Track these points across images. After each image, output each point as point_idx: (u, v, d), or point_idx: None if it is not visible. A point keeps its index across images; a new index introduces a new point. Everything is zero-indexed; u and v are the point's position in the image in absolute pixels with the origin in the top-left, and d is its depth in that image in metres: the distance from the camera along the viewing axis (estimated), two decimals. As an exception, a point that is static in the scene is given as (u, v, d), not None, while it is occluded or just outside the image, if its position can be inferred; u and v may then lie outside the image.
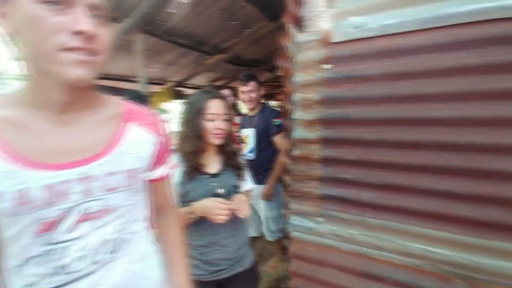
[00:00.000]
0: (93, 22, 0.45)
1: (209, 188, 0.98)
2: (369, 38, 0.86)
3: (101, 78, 2.88)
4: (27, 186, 0.46)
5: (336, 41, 0.92)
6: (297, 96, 1.02)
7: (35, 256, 0.49)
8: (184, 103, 1.07)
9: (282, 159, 1.78)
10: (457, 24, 0.74)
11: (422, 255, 0.86)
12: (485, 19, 0.71)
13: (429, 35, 0.78)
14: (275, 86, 5.87)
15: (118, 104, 0.60)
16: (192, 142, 0.99)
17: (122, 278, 0.57)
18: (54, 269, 0.50)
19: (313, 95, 0.99)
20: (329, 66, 0.94)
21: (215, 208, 0.90)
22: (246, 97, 1.86)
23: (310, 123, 1.00)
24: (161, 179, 0.69)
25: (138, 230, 0.63)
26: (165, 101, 3.94)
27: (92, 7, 0.45)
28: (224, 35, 2.58)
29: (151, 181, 0.67)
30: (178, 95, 4.03)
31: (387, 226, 0.91)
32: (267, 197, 1.81)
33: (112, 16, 1.92)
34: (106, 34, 0.48)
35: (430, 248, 0.85)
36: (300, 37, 0.99)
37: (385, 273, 0.93)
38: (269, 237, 1.94)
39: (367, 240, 0.95)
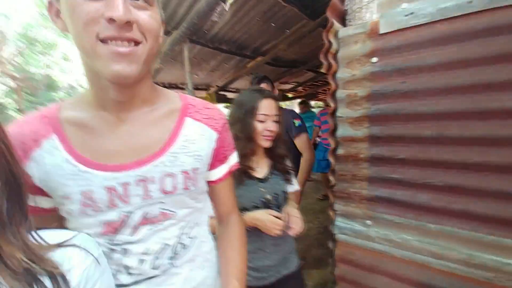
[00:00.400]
0: (131, 7, 0.39)
1: (258, 194, 0.93)
2: (423, 24, 0.78)
3: (154, 87, 3.16)
4: (90, 188, 0.45)
5: (384, 31, 0.86)
6: (342, 93, 0.98)
7: None
8: (233, 102, 1.02)
9: (306, 162, 1.71)
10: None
11: (493, 267, 0.75)
12: None
13: (497, 15, 0.68)
14: (317, 86, 5.73)
15: (177, 98, 0.56)
16: (242, 144, 0.91)
17: (184, 283, 0.54)
18: (118, 268, 0.50)
19: (359, 91, 0.94)
20: (377, 59, 0.89)
21: (270, 222, 0.85)
22: None
23: (357, 120, 0.96)
24: (221, 180, 0.62)
25: (200, 235, 0.58)
26: (209, 105, 4.15)
27: None
28: (265, 38, 2.62)
29: (211, 182, 0.61)
30: (221, 99, 4.22)
31: (449, 232, 0.81)
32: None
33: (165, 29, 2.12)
34: (149, 19, 0.41)
35: (505, 260, 0.73)
36: (345, 31, 0.95)
37: (445, 284, 0.83)
38: None
39: (425, 247, 0.86)
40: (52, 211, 0.49)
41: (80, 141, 0.46)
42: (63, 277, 0.36)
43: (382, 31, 0.86)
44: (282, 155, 1.03)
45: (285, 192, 1.00)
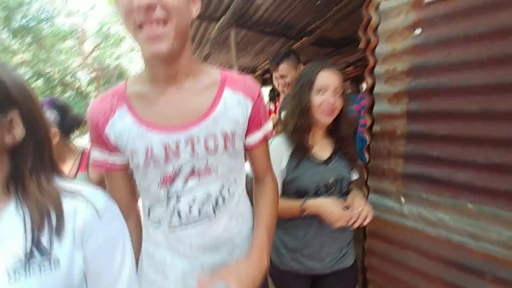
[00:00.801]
0: None
1: (320, 176, 0.86)
2: (474, -11, 0.72)
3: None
4: (151, 145, 0.55)
5: (430, 0, 0.81)
6: (381, 68, 0.97)
7: (160, 201, 0.60)
8: (296, 78, 0.96)
9: None
10: None
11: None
12: None
13: None
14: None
15: (217, 72, 0.63)
16: (296, 118, 0.87)
17: (222, 231, 0.62)
18: (172, 213, 0.59)
19: (399, 65, 0.91)
20: (420, 30, 0.85)
21: (338, 213, 0.78)
22: (280, 83, 1.63)
23: (395, 96, 0.94)
24: (258, 145, 0.67)
25: (237, 192, 0.65)
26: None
27: None
28: (310, 17, 2.54)
29: (247, 146, 0.67)
30: (266, 82, 4.28)
31: (490, 213, 0.77)
32: None
33: (213, 16, 2.25)
34: None
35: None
36: (387, 3, 0.92)
37: (482, 266, 0.80)
38: None
39: (461, 226, 0.83)
40: (124, 168, 0.61)
41: (142, 109, 0.56)
42: (62, 217, 0.43)
43: (426, 0, 0.81)
44: (346, 136, 0.93)
45: (349, 179, 0.91)
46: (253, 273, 0.55)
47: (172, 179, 0.57)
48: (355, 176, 0.97)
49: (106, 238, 0.48)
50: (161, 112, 0.56)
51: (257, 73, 4.25)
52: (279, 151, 0.89)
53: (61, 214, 0.43)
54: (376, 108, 1.00)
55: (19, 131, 0.42)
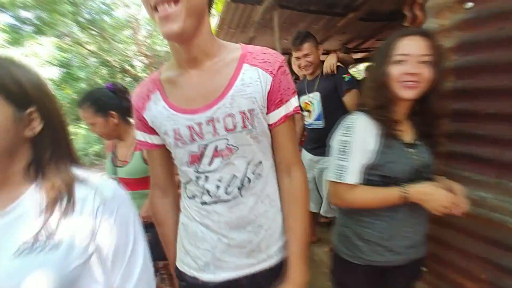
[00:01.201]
0: None
1: (410, 161, 0.76)
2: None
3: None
4: (178, 126, 0.59)
5: (485, -29, 0.77)
6: (426, 46, 0.95)
7: (190, 180, 0.63)
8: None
9: None
10: None
11: None
12: None
13: None
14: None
15: (238, 48, 0.61)
16: (373, 94, 0.77)
17: (249, 212, 0.62)
18: (202, 190, 0.62)
19: (446, 41, 0.89)
20: (472, 4, 0.81)
21: (446, 199, 0.69)
22: (303, 63, 1.63)
23: (440, 74, 0.93)
24: (278, 123, 0.62)
25: (263, 174, 0.63)
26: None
27: None
28: (357, -10, 2.41)
29: (270, 126, 0.63)
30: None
31: (537, 192, 0.76)
32: None
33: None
34: None
35: None
36: (436, -24, 0.89)
37: (524, 244, 0.80)
38: (327, 213, 1.79)
39: (503, 205, 0.83)
40: (161, 147, 0.66)
41: (171, 93, 0.61)
42: (72, 203, 0.45)
43: (480, -29, 0.78)
44: (435, 115, 0.79)
45: (432, 165, 0.81)
46: None
47: (199, 159, 0.60)
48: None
49: (114, 226, 0.48)
50: (185, 95, 0.59)
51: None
52: (364, 131, 0.76)
53: (72, 200, 0.45)
54: (419, 87, 0.99)
55: (37, 125, 0.46)
